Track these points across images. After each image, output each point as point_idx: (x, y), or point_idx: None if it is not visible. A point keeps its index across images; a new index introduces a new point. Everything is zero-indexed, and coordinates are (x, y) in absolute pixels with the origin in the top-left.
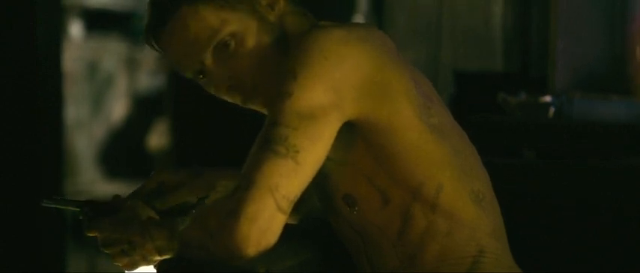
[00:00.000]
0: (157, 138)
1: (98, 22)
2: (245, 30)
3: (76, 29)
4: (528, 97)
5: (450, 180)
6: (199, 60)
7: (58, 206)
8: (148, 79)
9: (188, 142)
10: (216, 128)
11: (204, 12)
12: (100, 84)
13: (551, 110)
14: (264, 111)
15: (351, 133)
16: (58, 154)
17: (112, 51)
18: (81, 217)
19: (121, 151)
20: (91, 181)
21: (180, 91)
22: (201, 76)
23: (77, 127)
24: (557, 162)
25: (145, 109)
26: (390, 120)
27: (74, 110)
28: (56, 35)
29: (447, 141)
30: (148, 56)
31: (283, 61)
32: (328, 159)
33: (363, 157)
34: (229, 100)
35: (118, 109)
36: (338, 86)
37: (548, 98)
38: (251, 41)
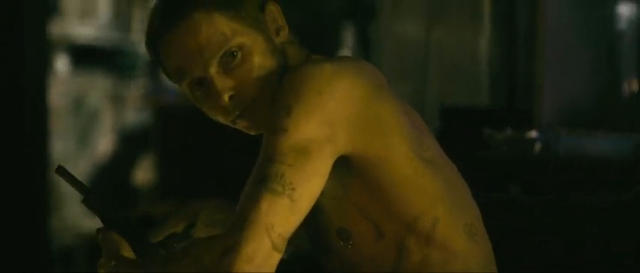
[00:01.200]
0: (143, 174)
1: (84, 57)
2: (253, 45)
3: (62, 64)
4: (514, 132)
5: (444, 213)
6: (204, 66)
7: (67, 181)
8: (134, 115)
9: (174, 178)
10: (202, 164)
11: (218, 19)
12: (86, 119)
13: (537, 146)
14: (251, 131)
15: (345, 167)
16: (44, 189)
17: (98, 86)
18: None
19: (107, 187)
20: (77, 216)
21: (166, 127)
22: (197, 87)
23: (63, 161)
24: (543, 198)
25: (130, 144)
26: (383, 154)
27: (60, 145)
28: (43, 70)
29: (440, 174)
30: (134, 92)
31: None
32: (322, 193)
33: (358, 191)
34: (220, 116)
35: (103, 144)
36: (331, 120)
37: (534, 134)
38: (257, 57)
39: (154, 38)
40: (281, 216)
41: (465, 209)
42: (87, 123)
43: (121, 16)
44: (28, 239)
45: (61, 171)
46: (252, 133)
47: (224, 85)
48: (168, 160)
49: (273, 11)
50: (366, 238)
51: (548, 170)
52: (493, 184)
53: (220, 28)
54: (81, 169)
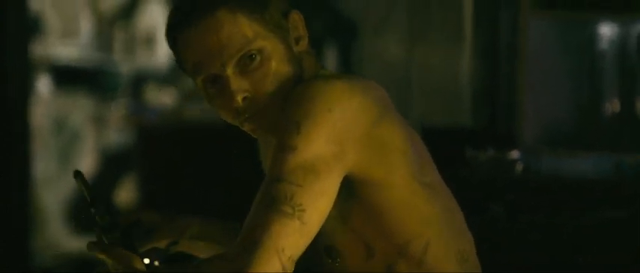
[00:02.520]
0: (125, 194)
1: (66, 77)
2: (273, 50)
3: (44, 84)
4: (496, 152)
5: (437, 238)
6: (222, 65)
7: (80, 185)
8: (116, 136)
9: (156, 197)
10: (184, 185)
11: (242, 20)
12: (68, 140)
13: (519, 166)
14: (256, 134)
15: (344, 186)
16: (26, 209)
17: (80, 106)
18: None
19: (89, 207)
20: (59, 236)
21: (148, 147)
22: (210, 84)
23: (45, 182)
24: (526, 217)
25: (112, 164)
26: (384, 175)
27: (41, 166)
28: (24, 90)
29: (437, 200)
30: (116, 112)
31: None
32: None
33: (352, 210)
34: (229, 116)
35: (86, 164)
36: (340, 138)
37: (515, 154)
38: (275, 62)
39: (174, 29)
40: (291, 238)
41: (458, 236)
42: (69, 143)
43: (103, 36)
44: (9, 258)
45: (79, 176)
46: (256, 136)
47: (239, 87)
48: (151, 180)
49: (296, 20)
50: (355, 257)
51: (529, 190)
52: (475, 205)
53: (242, 29)
54: (63, 190)
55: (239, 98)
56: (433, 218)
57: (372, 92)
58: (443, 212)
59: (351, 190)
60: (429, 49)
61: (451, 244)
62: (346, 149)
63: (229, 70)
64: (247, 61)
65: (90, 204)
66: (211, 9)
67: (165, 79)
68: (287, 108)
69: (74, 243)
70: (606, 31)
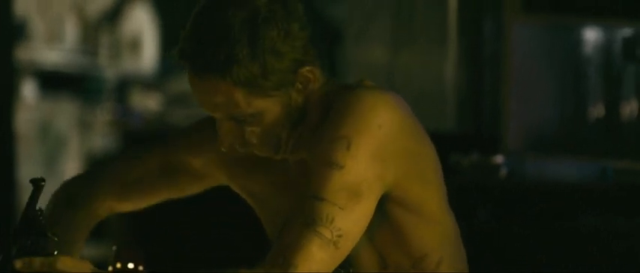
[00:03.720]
0: None
1: (51, 83)
2: (267, 111)
3: (29, 90)
4: (480, 157)
5: (449, 255)
6: (214, 112)
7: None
8: (101, 140)
9: None
10: None
11: (237, 93)
12: (53, 144)
13: (503, 171)
14: (272, 155)
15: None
16: (10, 215)
17: (64, 112)
18: None
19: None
20: None
21: None
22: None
23: (30, 187)
24: (510, 223)
25: None
26: (419, 192)
27: (26, 170)
28: (9, 96)
29: (451, 215)
30: (101, 117)
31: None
32: None
33: (375, 223)
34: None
35: (70, 169)
36: (385, 156)
37: (500, 159)
38: (269, 120)
39: (184, 61)
40: (325, 264)
41: (462, 254)
42: (54, 148)
43: (88, 41)
44: None
45: (40, 183)
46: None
47: (227, 135)
48: None
49: (308, 76)
50: (368, 267)
51: (514, 195)
52: (459, 210)
53: (235, 100)
54: (48, 195)
55: (226, 145)
56: (449, 234)
57: (406, 106)
58: (455, 229)
59: (379, 205)
60: (413, 55)
61: (459, 261)
62: (388, 166)
63: (222, 118)
64: (240, 119)
65: (24, 217)
66: (209, 72)
67: (151, 83)
68: (335, 119)
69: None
70: (591, 35)
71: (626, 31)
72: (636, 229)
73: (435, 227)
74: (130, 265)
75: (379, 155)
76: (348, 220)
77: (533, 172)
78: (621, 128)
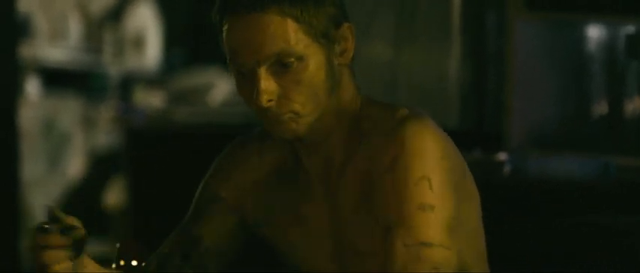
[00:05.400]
0: (114, 196)
1: (55, 80)
2: (311, 59)
3: (32, 87)
4: (483, 154)
5: (482, 262)
6: (257, 61)
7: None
8: (105, 137)
9: (145, 200)
10: (173, 187)
11: (290, 24)
12: (57, 141)
13: (507, 168)
14: (287, 136)
15: None
16: (14, 212)
17: (68, 109)
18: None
19: (78, 209)
20: None
21: (136, 150)
22: (241, 74)
23: (33, 184)
24: (513, 220)
25: (101, 167)
26: (465, 209)
27: (30, 167)
28: (13, 93)
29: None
30: (105, 114)
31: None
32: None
33: None
34: (252, 108)
35: (74, 166)
36: (455, 186)
37: (503, 156)
38: (310, 72)
39: (224, 9)
40: None
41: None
42: (57, 145)
43: (92, 38)
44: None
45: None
46: (284, 138)
47: (267, 88)
48: (140, 183)
49: (347, 33)
50: None
51: (517, 192)
52: None
53: (287, 34)
54: (51, 192)
55: (264, 99)
56: (484, 251)
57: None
58: (484, 250)
59: None
60: (416, 51)
61: (484, 263)
62: (457, 195)
63: (263, 69)
64: (282, 65)
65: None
66: (263, 5)
67: (154, 80)
68: (407, 159)
69: None
70: (594, 32)
71: (630, 29)
72: (639, 225)
73: (479, 246)
74: (134, 262)
75: (453, 186)
76: (454, 257)
77: (537, 169)
78: (624, 125)
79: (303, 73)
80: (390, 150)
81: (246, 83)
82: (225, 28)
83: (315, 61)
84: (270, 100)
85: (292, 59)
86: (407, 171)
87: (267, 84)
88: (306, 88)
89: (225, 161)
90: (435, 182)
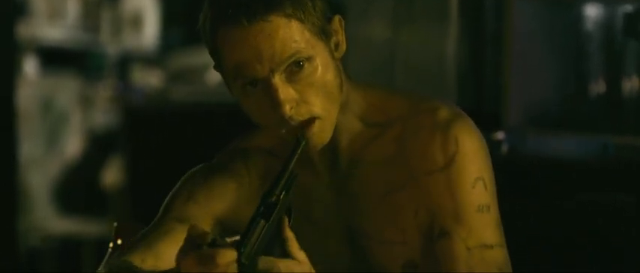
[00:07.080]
0: (112, 175)
1: (53, 59)
2: (319, 58)
3: (30, 66)
4: (482, 134)
5: None
6: (271, 70)
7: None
8: (103, 117)
9: (143, 179)
10: (171, 166)
11: (295, 25)
12: (55, 121)
13: (505, 147)
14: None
15: None
16: (12, 191)
17: (66, 88)
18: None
19: (76, 188)
20: (45, 218)
21: (134, 129)
22: (251, 86)
23: (31, 164)
24: (511, 198)
25: (99, 146)
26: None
27: (28, 147)
28: (11, 72)
29: None
30: (103, 93)
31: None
32: (401, 229)
33: None
34: (269, 121)
35: (72, 146)
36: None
37: (501, 135)
38: (321, 71)
39: (218, 22)
40: None
41: None
42: (55, 124)
43: (90, 18)
44: None
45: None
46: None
47: (286, 96)
48: (137, 162)
49: (337, 25)
50: (434, 267)
51: (515, 171)
52: None
53: (296, 36)
54: (50, 171)
55: (287, 108)
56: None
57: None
58: None
59: None
60: (414, 31)
61: None
62: None
63: (277, 78)
64: (294, 69)
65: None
66: (266, 11)
67: (152, 60)
68: (464, 160)
69: (61, 223)
70: (592, 12)
71: (628, 7)
72: (637, 204)
73: None
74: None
75: (494, 181)
76: (507, 252)
77: (535, 148)
78: (622, 104)
79: (314, 74)
80: (442, 148)
81: (258, 96)
82: (225, 42)
83: (321, 60)
84: (291, 108)
85: (303, 60)
86: (464, 172)
87: (286, 92)
88: (320, 89)
89: (202, 189)
90: (487, 182)
